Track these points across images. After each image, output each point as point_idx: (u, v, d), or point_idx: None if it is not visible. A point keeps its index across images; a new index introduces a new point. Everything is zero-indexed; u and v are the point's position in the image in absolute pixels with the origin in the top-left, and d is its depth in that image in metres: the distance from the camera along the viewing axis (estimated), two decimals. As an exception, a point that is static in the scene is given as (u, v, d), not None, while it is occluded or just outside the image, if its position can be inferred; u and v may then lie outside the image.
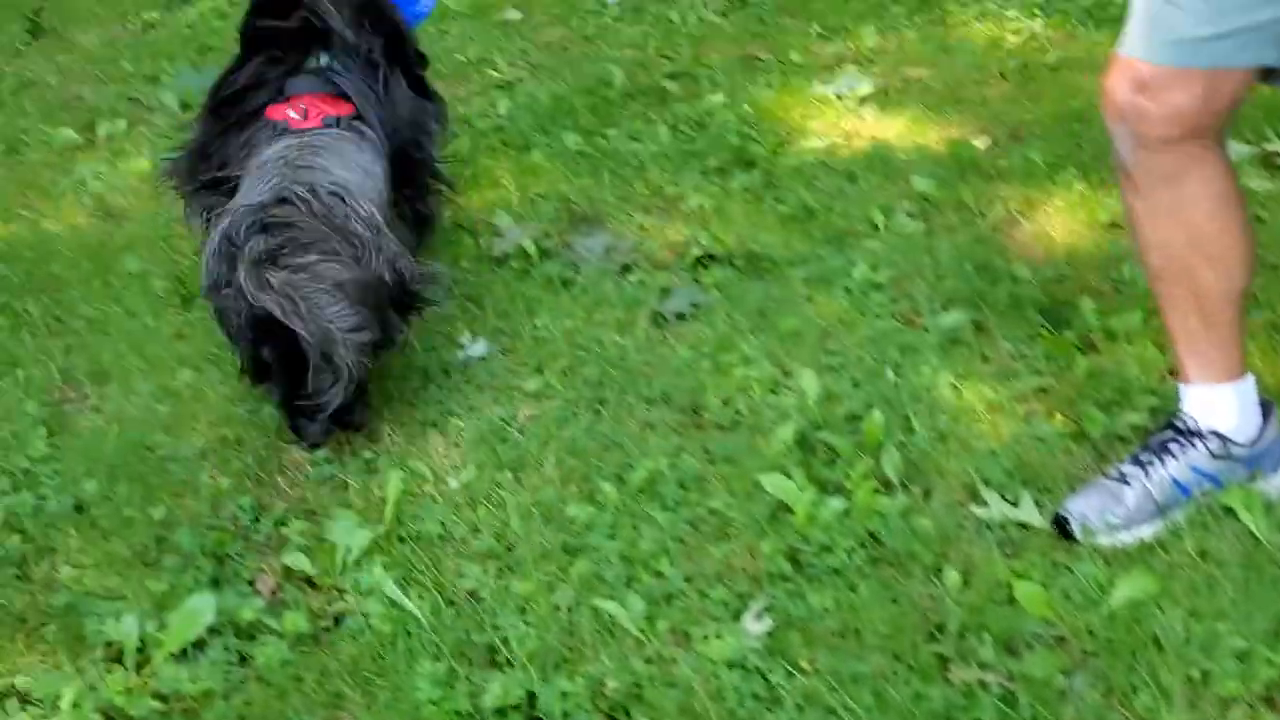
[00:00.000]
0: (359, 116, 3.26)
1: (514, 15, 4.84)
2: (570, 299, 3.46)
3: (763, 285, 3.47)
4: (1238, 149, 3.89)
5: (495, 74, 4.51)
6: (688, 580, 2.53)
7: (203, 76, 4.53)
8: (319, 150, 3.10)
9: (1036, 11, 4.64)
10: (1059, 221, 3.69)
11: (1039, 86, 4.28)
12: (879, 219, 3.71)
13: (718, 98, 4.26)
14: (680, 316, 3.38)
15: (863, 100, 4.25)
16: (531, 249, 3.62)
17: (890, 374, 3.12)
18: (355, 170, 3.10)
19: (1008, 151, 3.98)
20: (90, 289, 3.63)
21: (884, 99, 4.26)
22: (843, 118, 4.19)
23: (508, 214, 3.79)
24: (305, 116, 3.21)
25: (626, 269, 3.57)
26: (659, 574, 2.54)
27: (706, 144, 4.06)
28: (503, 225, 3.75)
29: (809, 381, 3.08)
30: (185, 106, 4.43)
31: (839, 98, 4.26)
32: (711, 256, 3.57)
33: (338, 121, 3.22)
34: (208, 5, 4.97)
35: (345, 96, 3.28)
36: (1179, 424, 2.70)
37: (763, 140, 4.07)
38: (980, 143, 4.03)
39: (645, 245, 3.67)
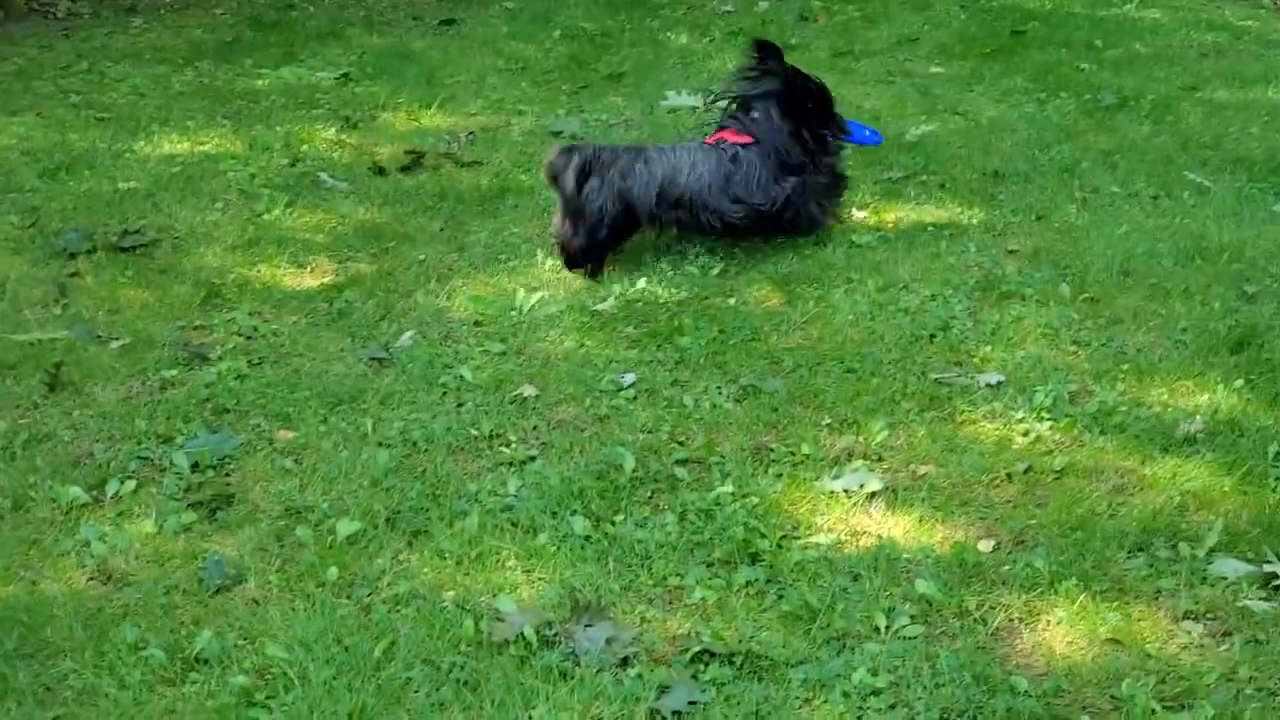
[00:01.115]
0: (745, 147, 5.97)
1: (530, 391, 4.90)
2: (568, 691, 3.45)
3: (761, 686, 3.47)
4: (1236, 566, 3.92)
5: (507, 451, 4.55)
6: None
7: (218, 438, 4.60)
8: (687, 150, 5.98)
9: (1044, 414, 4.70)
10: (1059, 632, 3.70)
11: (1045, 491, 4.32)
12: (881, 621, 3.72)
13: (726, 488, 4.30)
14: (677, 715, 3.37)
15: (870, 496, 4.28)
16: (532, 637, 3.63)
17: (885, 787, 3.11)
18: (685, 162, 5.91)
19: (1012, 557, 4.00)
20: (83, 657, 3.62)
21: (891, 496, 4.29)
22: (850, 514, 4.22)
23: (511, 599, 3.80)
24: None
25: (626, 662, 3.57)
26: None
27: (713, 535, 4.09)
28: (505, 610, 3.76)
29: (803, 791, 3.07)
30: (196, 468, 4.46)
31: (847, 493, 4.30)
32: (711, 653, 3.58)
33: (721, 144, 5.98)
34: (226, 365, 5.04)
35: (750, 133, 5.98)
36: None
37: (769, 534, 4.09)
38: (985, 546, 4.05)
39: (647, 637, 3.67)
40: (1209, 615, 3.78)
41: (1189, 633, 3.71)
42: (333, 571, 3.94)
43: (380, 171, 6.95)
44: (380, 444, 4.60)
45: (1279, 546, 3.98)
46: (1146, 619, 3.76)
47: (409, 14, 10.11)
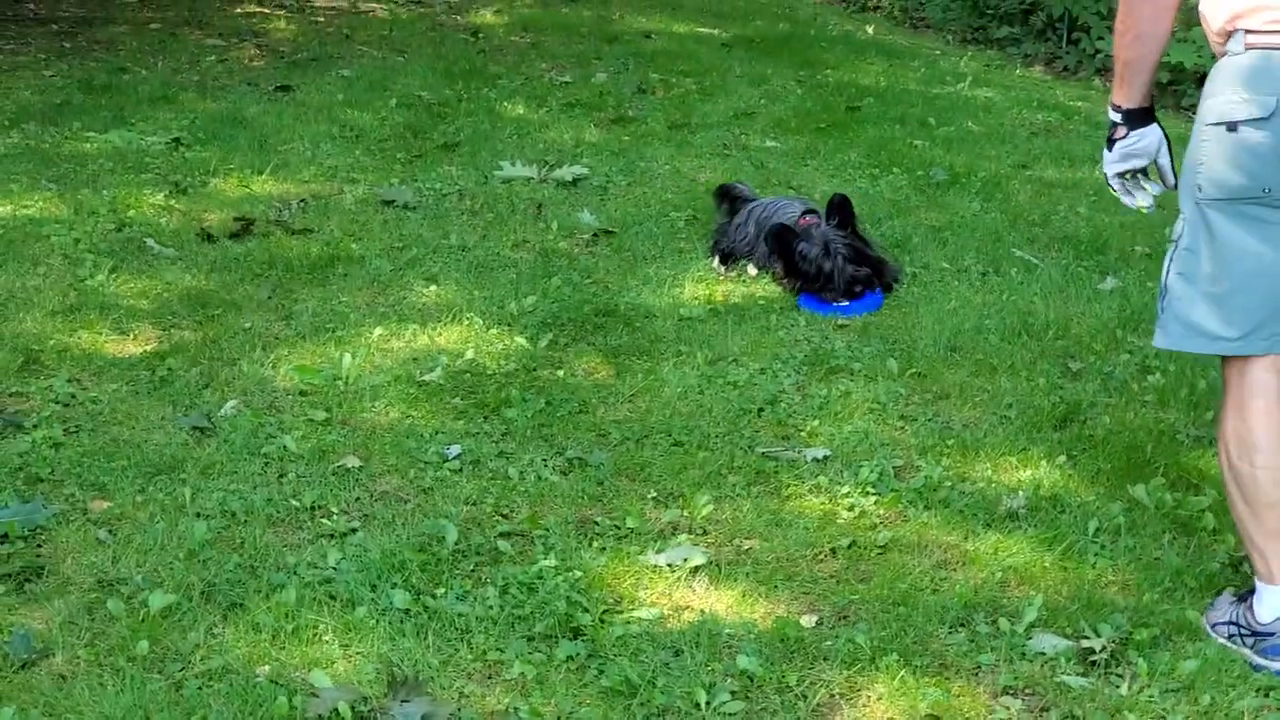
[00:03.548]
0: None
1: (353, 462, 4.83)
2: (381, 769, 3.39)
3: (578, 763, 3.43)
4: (1055, 641, 3.94)
5: (327, 523, 4.48)
6: None
7: (29, 508, 4.48)
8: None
9: (870, 489, 4.71)
10: (880, 708, 3.69)
11: (868, 566, 4.33)
12: (701, 697, 3.69)
13: (549, 561, 4.26)
14: (491, 793, 3.33)
15: (694, 571, 4.27)
16: (347, 713, 3.56)
17: None
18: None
19: (834, 632, 4.00)
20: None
21: (715, 571, 4.28)
22: (673, 588, 4.19)
23: (326, 674, 3.73)
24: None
25: (441, 738, 3.52)
26: None
27: (534, 609, 4.04)
28: (320, 685, 3.68)
29: None
30: (6, 539, 4.33)
31: (670, 567, 4.27)
32: (528, 731, 3.54)
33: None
34: (42, 434, 4.92)
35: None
36: None
37: (591, 608, 4.05)
38: (807, 621, 4.05)
39: (465, 713, 3.63)
40: (1027, 690, 3.80)
41: (1007, 708, 3.72)
42: (144, 646, 3.84)
43: (209, 238, 6.85)
44: (198, 515, 4.51)
45: (1097, 621, 4.01)
46: (966, 694, 3.77)
47: (244, 79, 10.01)
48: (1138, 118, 4.04)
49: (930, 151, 8.73)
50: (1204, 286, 3.84)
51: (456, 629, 3.97)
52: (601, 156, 8.41)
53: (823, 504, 4.67)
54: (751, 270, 6.62)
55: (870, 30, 12.83)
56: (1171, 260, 3.90)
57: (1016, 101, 10.23)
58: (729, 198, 7.17)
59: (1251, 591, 3.97)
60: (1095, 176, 8.26)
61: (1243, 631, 3.94)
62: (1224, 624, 4.00)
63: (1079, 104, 10.33)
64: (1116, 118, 4.05)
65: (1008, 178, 8.23)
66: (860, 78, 10.77)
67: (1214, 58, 3.93)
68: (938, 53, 12.05)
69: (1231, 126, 3.75)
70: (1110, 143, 4.09)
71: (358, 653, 3.87)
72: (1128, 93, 4.01)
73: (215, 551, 4.31)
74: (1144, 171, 4.13)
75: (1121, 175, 4.13)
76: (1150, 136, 4.05)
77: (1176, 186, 4.00)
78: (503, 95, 9.74)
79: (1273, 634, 3.88)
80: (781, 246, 6.42)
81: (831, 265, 6.30)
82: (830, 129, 9.20)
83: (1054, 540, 4.46)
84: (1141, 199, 4.14)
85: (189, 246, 6.76)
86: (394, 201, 7.44)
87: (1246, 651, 3.91)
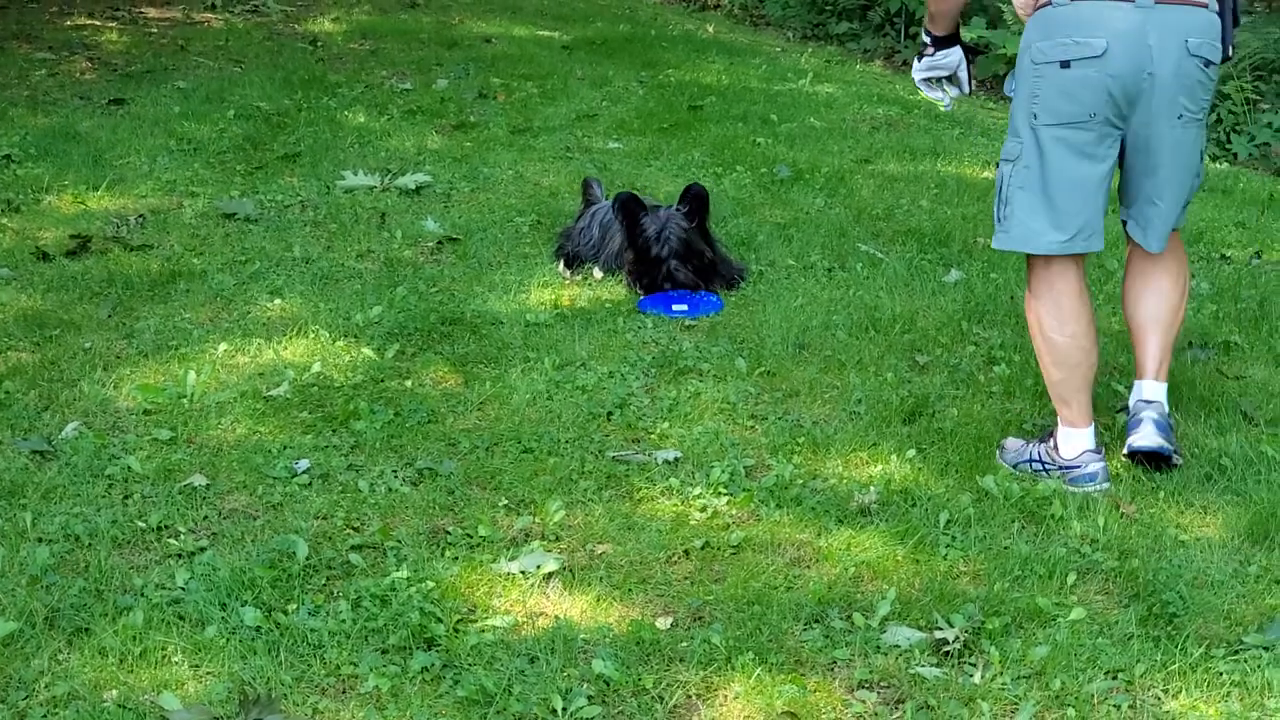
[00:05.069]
0: None
1: (200, 481, 4.75)
2: (234, 792, 3.34)
3: (435, 776, 3.40)
4: (908, 634, 3.97)
5: (175, 543, 4.40)
6: None
7: None
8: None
9: (722, 490, 4.71)
10: (737, 707, 3.70)
11: (722, 566, 4.33)
12: (558, 703, 3.67)
13: (402, 573, 4.22)
14: (348, 811, 3.29)
15: (547, 577, 4.24)
16: (197, 735, 3.51)
17: None
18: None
19: (689, 633, 3.99)
20: None
21: (569, 577, 4.26)
22: (527, 595, 4.17)
23: (176, 696, 3.67)
24: None
25: (294, 758, 3.48)
26: None
27: (388, 621, 4.00)
28: (170, 708, 3.62)
29: None
30: None
31: (524, 574, 4.25)
32: (383, 745, 3.50)
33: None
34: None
35: None
36: None
37: (445, 618, 4.02)
38: (663, 623, 4.04)
39: (318, 730, 3.59)
40: (882, 683, 3.82)
41: (863, 702, 3.74)
42: (-15, 676, 3.77)
43: (44, 257, 6.72)
44: (40, 540, 4.41)
45: (949, 612, 4.04)
46: (822, 690, 3.78)
47: (76, 93, 9.84)
48: (944, 42, 5.14)
49: (773, 149, 8.78)
50: (1041, 196, 4.69)
51: (309, 644, 3.92)
52: (444, 163, 8.36)
53: (675, 506, 4.67)
54: (597, 273, 6.62)
55: (711, 29, 12.89)
56: (1010, 177, 4.75)
57: (857, 97, 10.32)
58: (584, 196, 7.19)
59: (1050, 434, 4.91)
60: (937, 169, 8.37)
61: (1048, 465, 4.85)
62: (1027, 461, 4.91)
63: (918, 97, 10.41)
64: (927, 40, 5.16)
65: (851, 173, 8.29)
66: (702, 77, 10.80)
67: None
68: (778, 50, 12.12)
69: (1065, 64, 4.59)
70: (920, 56, 5.21)
71: (208, 673, 3.81)
72: (938, 26, 5.11)
73: (59, 576, 4.22)
74: (947, 79, 5.23)
75: (927, 80, 5.25)
76: (953, 55, 5.15)
77: (971, 94, 5.45)
78: (343, 104, 9.67)
79: (1078, 466, 4.80)
80: (627, 215, 6.51)
81: (657, 252, 6.38)
82: (673, 129, 9.22)
83: (906, 534, 4.48)
84: (940, 96, 5.30)
85: (23, 266, 6.63)
86: (235, 214, 7.36)
87: (1055, 481, 4.79)
